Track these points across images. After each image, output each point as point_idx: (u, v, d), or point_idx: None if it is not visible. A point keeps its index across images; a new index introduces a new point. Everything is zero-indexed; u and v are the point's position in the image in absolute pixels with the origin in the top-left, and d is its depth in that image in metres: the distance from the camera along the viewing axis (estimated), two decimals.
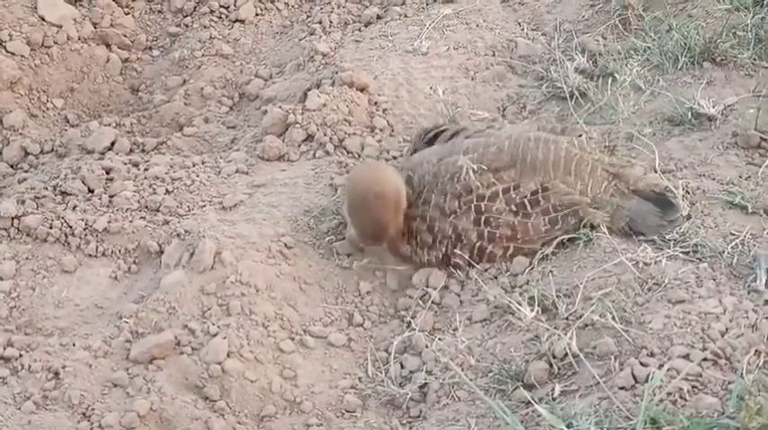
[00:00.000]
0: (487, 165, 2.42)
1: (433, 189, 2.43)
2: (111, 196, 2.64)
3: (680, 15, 3.08)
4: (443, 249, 2.42)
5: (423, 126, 2.73)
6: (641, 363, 2.05)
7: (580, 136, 2.55)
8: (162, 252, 2.47)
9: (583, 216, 2.41)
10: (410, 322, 2.36)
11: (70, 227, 2.54)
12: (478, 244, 2.41)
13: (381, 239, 2.43)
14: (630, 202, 2.47)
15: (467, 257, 2.41)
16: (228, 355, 2.23)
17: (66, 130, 3.02)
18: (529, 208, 2.40)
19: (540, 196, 2.40)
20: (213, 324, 2.29)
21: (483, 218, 2.40)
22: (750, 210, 2.44)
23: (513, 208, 2.40)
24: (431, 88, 2.96)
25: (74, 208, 2.61)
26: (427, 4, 3.30)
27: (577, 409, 1.99)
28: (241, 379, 2.21)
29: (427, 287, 2.42)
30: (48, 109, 3.14)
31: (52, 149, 2.93)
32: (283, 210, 2.59)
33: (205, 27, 3.34)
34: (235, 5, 3.38)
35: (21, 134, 2.98)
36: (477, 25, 3.19)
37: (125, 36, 3.33)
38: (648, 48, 2.97)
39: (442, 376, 2.20)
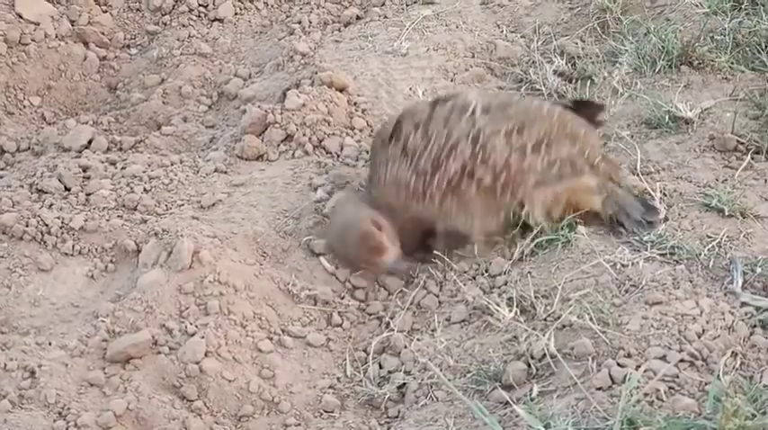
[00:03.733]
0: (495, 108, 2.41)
1: (429, 123, 2.40)
2: (88, 194, 2.63)
3: (658, 19, 3.10)
4: (434, 154, 2.36)
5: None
6: (618, 364, 2.05)
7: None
8: (139, 251, 2.46)
9: (580, 169, 2.41)
10: (389, 323, 2.36)
11: (46, 225, 2.52)
12: (469, 165, 2.35)
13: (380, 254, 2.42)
14: (620, 191, 2.49)
15: (451, 176, 2.34)
16: (206, 355, 2.22)
17: (42, 128, 2.99)
18: (529, 151, 2.38)
19: (544, 145, 2.39)
20: (191, 323, 2.28)
21: (479, 144, 2.36)
22: (726, 213, 2.46)
23: (513, 148, 2.37)
24: (410, 89, 2.97)
25: (50, 206, 2.59)
26: (407, 6, 3.30)
27: (555, 410, 1.99)
28: (219, 378, 2.20)
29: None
30: (24, 107, 3.11)
31: (29, 147, 2.91)
32: (262, 209, 2.58)
33: (184, 26, 3.32)
34: (214, 4, 3.36)
35: None
36: (457, 27, 3.19)
37: (103, 34, 3.31)
38: (627, 51, 2.98)
39: (420, 376, 2.20)
